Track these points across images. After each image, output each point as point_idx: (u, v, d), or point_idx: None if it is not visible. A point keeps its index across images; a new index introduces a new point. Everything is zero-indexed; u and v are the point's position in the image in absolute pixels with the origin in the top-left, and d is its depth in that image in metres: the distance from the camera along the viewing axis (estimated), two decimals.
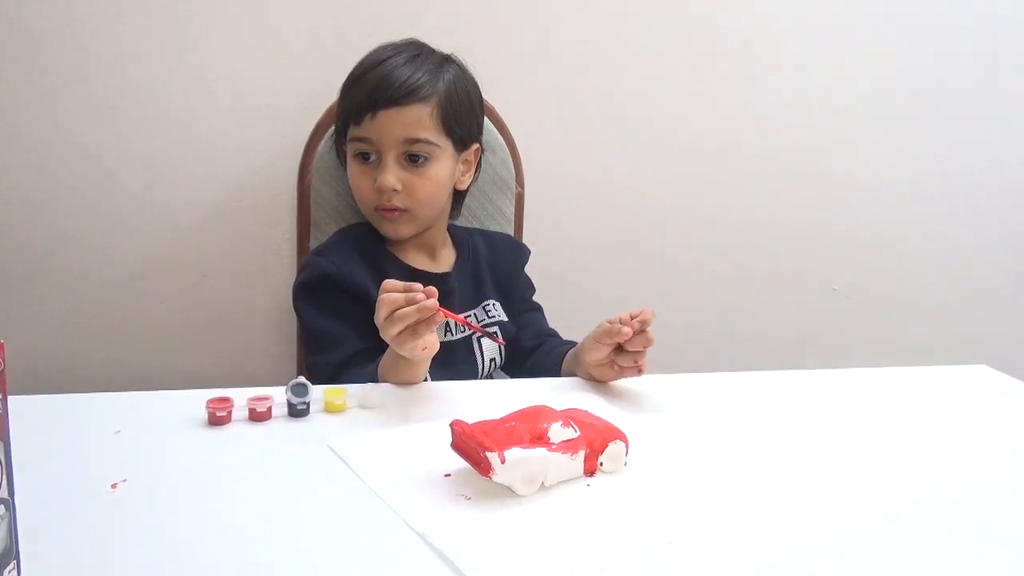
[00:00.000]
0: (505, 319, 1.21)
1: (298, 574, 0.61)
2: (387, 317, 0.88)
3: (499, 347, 1.19)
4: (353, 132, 1.12)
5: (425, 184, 1.12)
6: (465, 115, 1.17)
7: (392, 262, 1.17)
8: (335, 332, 1.08)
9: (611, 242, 1.60)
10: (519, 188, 1.39)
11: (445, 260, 1.22)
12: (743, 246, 1.66)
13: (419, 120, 1.10)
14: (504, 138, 1.36)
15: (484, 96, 1.35)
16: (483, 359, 1.18)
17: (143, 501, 0.70)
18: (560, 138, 1.51)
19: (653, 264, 1.63)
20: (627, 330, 0.95)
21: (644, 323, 0.96)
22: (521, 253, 1.29)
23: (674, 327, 1.65)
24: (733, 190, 1.63)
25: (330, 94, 1.30)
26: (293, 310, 1.16)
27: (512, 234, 1.40)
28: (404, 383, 0.97)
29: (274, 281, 1.43)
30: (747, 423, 0.94)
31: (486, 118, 1.34)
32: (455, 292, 1.18)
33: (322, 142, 1.29)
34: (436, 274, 1.18)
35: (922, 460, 0.87)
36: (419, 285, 0.88)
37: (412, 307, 0.86)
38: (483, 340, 1.18)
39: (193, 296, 1.41)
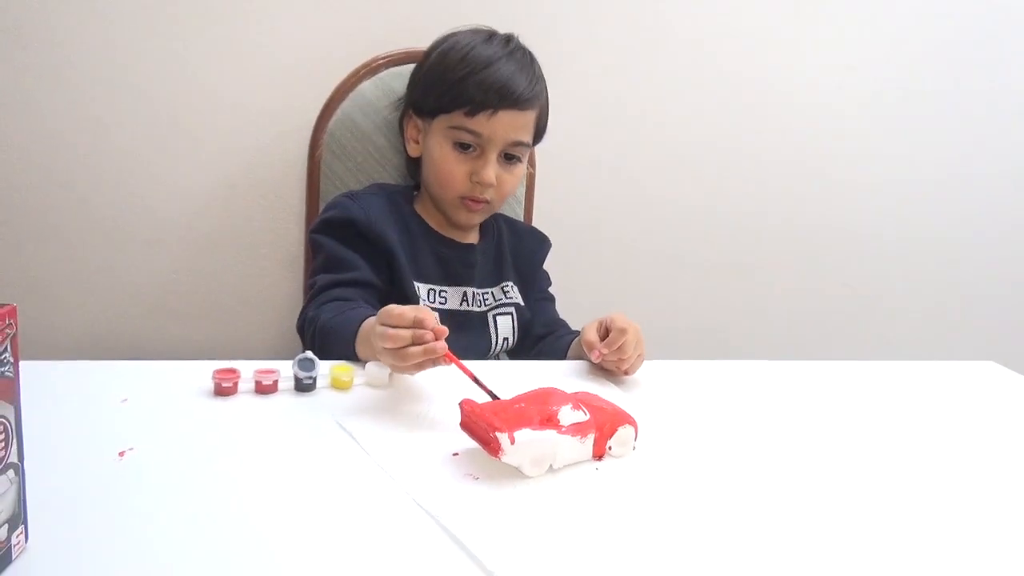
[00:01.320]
0: (521, 303, 1.23)
1: (303, 547, 0.61)
2: (392, 351, 0.83)
3: (512, 328, 1.21)
4: (461, 122, 1.11)
5: (512, 181, 1.17)
6: (546, 116, 1.20)
7: (421, 227, 1.19)
8: (352, 260, 1.09)
9: (622, 226, 1.58)
10: (530, 169, 1.38)
11: (471, 235, 1.23)
12: (756, 237, 1.65)
13: (527, 125, 1.14)
14: None
15: None
16: (497, 336, 1.19)
17: (150, 470, 0.69)
18: (572, 119, 1.49)
19: (663, 249, 1.62)
20: (594, 358, 0.98)
21: (612, 345, 0.96)
22: (543, 245, 1.31)
23: (683, 315, 1.65)
24: (747, 180, 1.62)
25: (342, 68, 1.29)
26: (309, 244, 1.17)
27: (522, 216, 1.39)
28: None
29: (283, 255, 1.42)
30: (756, 412, 0.94)
31: None
32: (477, 267, 1.20)
33: (334, 117, 1.28)
34: (463, 244, 1.21)
35: (928, 454, 0.87)
36: (429, 318, 0.81)
37: (419, 348, 0.81)
38: (498, 318, 1.20)
39: (203, 268, 1.40)
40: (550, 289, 1.32)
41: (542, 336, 1.24)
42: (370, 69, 1.29)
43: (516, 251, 1.27)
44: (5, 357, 0.52)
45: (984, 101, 1.70)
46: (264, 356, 1.06)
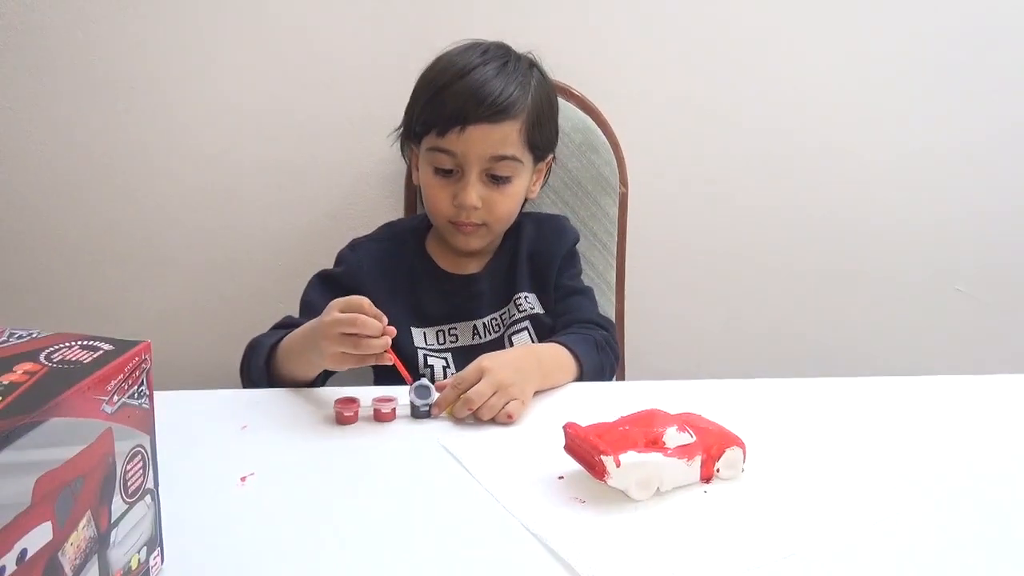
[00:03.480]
0: (539, 311, 1.15)
1: (414, 571, 0.62)
2: (346, 335, 0.87)
3: (531, 341, 1.13)
4: (435, 142, 1.07)
5: (505, 201, 1.10)
6: (547, 127, 1.13)
7: (424, 263, 1.17)
8: (321, 307, 0.95)
9: (717, 244, 1.54)
10: (623, 188, 1.37)
11: (480, 259, 1.18)
12: (856, 249, 1.57)
13: (507, 137, 1.07)
14: (608, 138, 1.35)
15: (588, 95, 1.35)
16: None
17: (270, 494, 0.73)
18: (665, 138, 1.47)
19: (760, 267, 1.56)
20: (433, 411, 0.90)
21: (459, 382, 0.90)
22: (561, 238, 1.20)
23: (786, 331, 1.60)
24: (848, 191, 1.54)
25: None
26: None
27: (615, 235, 1.37)
28: (297, 375, 0.97)
29: None
30: (866, 430, 0.90)
31: (590, 117, 1.34)
32: (484, 295, 1.16)
33: None
34: (464, 276, 1.16)
35: None
36: (385, 320, 0.88)
37: (377, 341, 0.87)
38: (514, 337, 1.13)
39: None
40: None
41: None
42: None
43: (535, 253, 1.18)
44: (142, 390, 0.55)
45: None
46: (363, 380, 1.09)
